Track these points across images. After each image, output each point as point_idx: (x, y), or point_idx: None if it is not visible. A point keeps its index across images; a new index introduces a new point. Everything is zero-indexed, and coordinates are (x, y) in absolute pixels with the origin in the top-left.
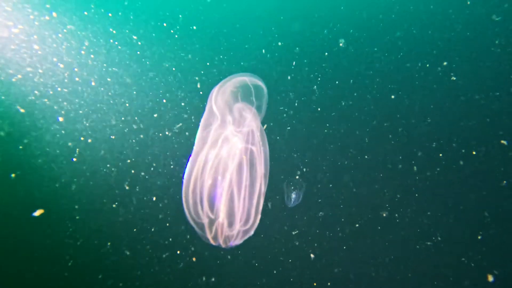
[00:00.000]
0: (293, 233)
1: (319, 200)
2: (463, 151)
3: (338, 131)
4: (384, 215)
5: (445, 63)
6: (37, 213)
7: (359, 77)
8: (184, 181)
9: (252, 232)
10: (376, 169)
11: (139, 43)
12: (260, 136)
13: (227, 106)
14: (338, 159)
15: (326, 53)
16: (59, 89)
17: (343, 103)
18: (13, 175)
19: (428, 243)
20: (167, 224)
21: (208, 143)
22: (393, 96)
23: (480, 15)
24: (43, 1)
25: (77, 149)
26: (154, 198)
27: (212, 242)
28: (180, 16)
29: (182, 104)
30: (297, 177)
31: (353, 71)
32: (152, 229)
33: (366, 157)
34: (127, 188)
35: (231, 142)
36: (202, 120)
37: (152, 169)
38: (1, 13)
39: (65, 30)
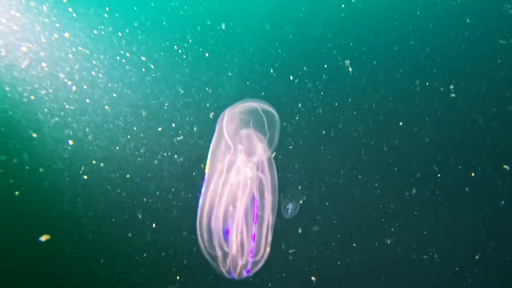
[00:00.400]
0: (290, 251)
1: (318, 217)
2: (462, 170)
3: (337, 150)
4: (389, 242)
5: (451, 86)
6: (43, 238)
7: (359, 95)
8: (198, 213)
9: (262, 262)
10: (374, 188)
11: (152, 66)
12: (269, 164)
13: (238, 134)
14: (336, 178)
15: (326, 66)
16: (67, 106)
17: (341, 125)
18: (17, 192)
19: (425, 256)
20: (162, 253)
21: (219, 173)
22: (401, 123)
23: (484, 36)
24: (52, 20)
25: (86, 173)
26: (154, 225)
27: (226, 275)
28: (190, 40)
29: (195, 129)
30: (298, 198)
31: (353, 90)
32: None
33: (364, 176)
34: (140, 216)
35: (242, 171)
36: (212, 148)
37: (157, 193)
38: (9, 33)
39: (74, 49)
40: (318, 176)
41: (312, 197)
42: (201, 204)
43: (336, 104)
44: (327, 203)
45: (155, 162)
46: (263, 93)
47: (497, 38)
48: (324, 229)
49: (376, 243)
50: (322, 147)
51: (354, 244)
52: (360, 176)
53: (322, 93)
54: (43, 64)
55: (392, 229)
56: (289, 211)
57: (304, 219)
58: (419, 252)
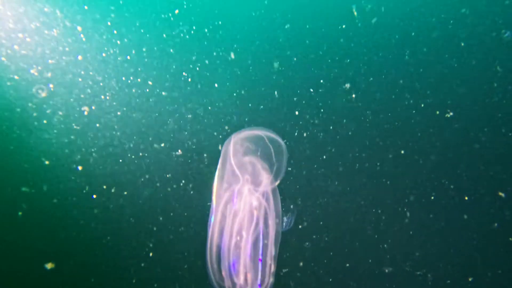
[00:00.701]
0: (284, 270)
1: (314, 236)
2: (455, 193)
3: (330, 170)
4: (387, 270)
5: (450, 113)
6: (49, 265)
7: (355, 116)
8: (208, 244)
9: None
10: (368, 208)
11: (164, 93)
12: (273, 193)
13: (245, 164)
14: (330, 198)
15: (326, 88)
16: (74, 126)
17: (334, 148)
18: (20, 213)
19: (418, 273)
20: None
21: (226, 202)
22: (402, 151)
23: (480, 60)
24: (63, 44)
25: (96, 198)
26: (150, 255)
27: None
28: (198, 68)
29: (205, 155)
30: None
31: (350, 111)
32: None
33: (358, 197)
34: (150, 245)
35: (248, 201)
36: (219, 177)
37: (165, 219)
38: (20, 58)
39: (82, 72)
40: (312, 195)
41: (307, 215)
42: (210, 235)
43: (331, 127)
44: (321, 223)
45: (165, 188)
46: (266, 113)
47: (493, 61)
48: (318, 248)
49: (370, 261)
50: (315, 166)
51: (348, 264)
52: (353, 197)
53: (322, 110)
54: (51, 86)
55: (385, 245)
56: (284, 224)
57: (298, 237)
58: (412, 273)
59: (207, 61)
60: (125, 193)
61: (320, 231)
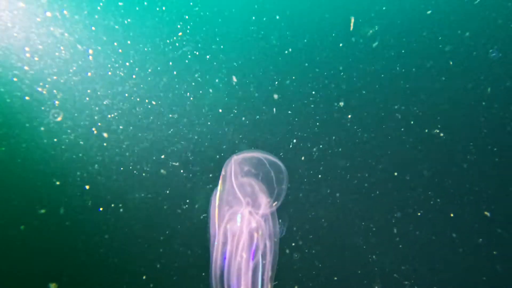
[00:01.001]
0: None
1: (306, 250)
2: (442, 210)
3: (324, 188)
4: (378, 282)
5: (441, 134)
6: (52, 286)
7: (346, 133)
8: (212, 266)
9: None
10: (359, 224)
11: (172, 115)
12: (272, 215)
13: (245, 187)
14: (322, 214)
15: (320, 104)
16: (80, 142)
17: (324, 165)
18: (22, 227)
19: (406, 282)
20: None
21: (226, 224)
22: (392, 169)
23: (470, 79)
24: (72, 65)
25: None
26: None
27: None
28: (201, 91)
29: (210, 175)
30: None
31: (342, 128)
32: None
33: (349, 212)
34: (158, 266)
35: (248, 222)
36: (219, 199)
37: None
38: (29, 77)
39: (89, 91)
40: (302, 208)
41: (297, 228)
42: (214, 258)
43: (321, 145)
44: (311, 236)
45: (171, 209)
46: (264, 127)
47: (482, 79)
48: (307, 260)
49: (359, 271)
50: (306, 180)
51: (336, 278)
52: (343, 211)
53: (317, 124)
54: (56, 103)
55: (374, 256)
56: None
57: (288, 250)
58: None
59: (209, 87)
60: (130, 211)
61: (309, 244)
